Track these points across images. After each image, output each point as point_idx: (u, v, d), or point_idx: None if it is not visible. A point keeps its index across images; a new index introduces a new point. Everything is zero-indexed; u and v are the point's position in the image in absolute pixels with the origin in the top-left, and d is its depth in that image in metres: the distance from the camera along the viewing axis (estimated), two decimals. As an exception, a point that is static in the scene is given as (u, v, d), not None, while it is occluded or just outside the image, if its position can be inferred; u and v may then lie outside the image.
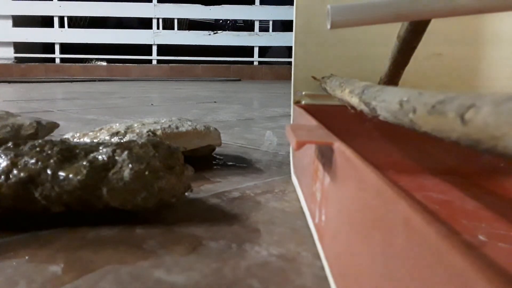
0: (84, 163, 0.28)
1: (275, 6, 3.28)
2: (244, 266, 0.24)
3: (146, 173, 0.29)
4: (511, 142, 0.10)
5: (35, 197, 0.27)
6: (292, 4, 0.44)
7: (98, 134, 0.43)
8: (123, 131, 0.43)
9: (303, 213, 0.32)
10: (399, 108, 0.17)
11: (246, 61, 3.32)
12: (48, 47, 3.22)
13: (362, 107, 0.24)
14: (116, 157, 0.29)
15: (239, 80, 2.99)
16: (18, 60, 3.13)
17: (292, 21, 0.44)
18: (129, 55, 3.24)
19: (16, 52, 3.14)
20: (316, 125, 0.29)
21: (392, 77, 0.35)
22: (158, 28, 3.25)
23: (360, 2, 0.27)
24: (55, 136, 0.52)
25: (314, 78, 0.42)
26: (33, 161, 0.28)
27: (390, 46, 0.34)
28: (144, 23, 3.31)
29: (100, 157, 0.29)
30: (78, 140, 0.42)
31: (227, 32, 3.40)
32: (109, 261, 0.24)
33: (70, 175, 0.28)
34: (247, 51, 3.32)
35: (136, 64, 3.21)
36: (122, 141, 0.34)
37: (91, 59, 3.37)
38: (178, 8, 3.25)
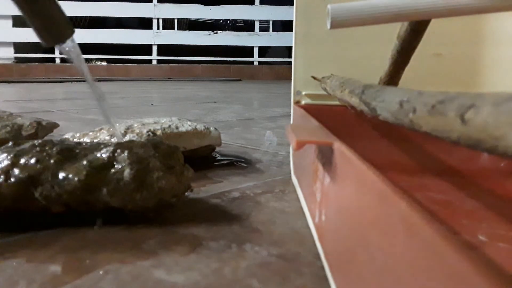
0: (84, 163, 0.28)
1: (275, 6, 3.28)
2: (244, 266, 0.24)
3: (146, 173, 0.29)
4: (511, 142, 0.10)
5: (35, 197, 0.27)
6: (292, 4, 0.43)
7: (98, 134, 0.43)
8: (123, 131, 0.43)
9: (303, 213, 0.32)
10: (399, 108, 0.17)
11: (246, 61, 3.32)
12: (48, 47, 3.22)
13: (362, 107, 0.24)
14: (116, 157, 0.29)
15: (239, 80, 2.99)
16: (18, 60, 3.12)
17: (292, 21, 0.44)
18: (129, 55, 3.23)
19: (16, 52, 3.13)
20: (316, 125, 0.29)
21: (392, 77, 0.35)
22: (158, 28, 3.25)
23: (360, 2, 0.27)
24: (55, 136, 0.52)
25: (314, 78, 0.42)
26: (33, 161, 0.28)
27: (390, 46, 0.34)
28: (144, 23, 3.31)
29: (100, 157, 0.29)
30: (78, 140, 0.42)
31: (227, 32, 3.40)
32: (109, 261, 0.24)
33: (70, 175, 0.28)
34: (247, 51, 3.32)
35: (136, 64, 3.21)
36: (122, 141, 0.34)
37: (91, 59, 3.37)
38: (178, 8, 3.25)
